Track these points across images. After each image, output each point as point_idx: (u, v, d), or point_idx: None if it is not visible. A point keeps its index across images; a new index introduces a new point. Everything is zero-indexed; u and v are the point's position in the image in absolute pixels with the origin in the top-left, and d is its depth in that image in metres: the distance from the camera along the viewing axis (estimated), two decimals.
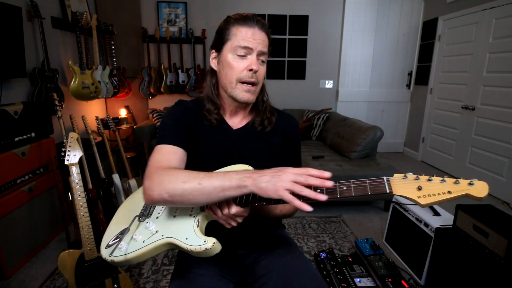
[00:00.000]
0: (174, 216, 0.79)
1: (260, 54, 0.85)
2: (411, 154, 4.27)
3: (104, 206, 2.12)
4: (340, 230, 2.29)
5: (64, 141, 1.76)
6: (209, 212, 0.75)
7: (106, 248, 0.77)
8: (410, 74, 4.21)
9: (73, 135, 1.36)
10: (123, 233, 0.78)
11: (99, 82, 2.80)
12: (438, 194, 0.58)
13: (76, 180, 1.30)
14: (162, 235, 0.74)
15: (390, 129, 4.32)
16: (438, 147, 3.77)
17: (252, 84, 0.86)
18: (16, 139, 1.79)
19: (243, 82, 0.85)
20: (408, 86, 4.26)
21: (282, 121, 0.97)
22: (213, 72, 0.93)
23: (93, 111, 3.26)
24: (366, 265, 1.68)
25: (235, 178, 0.66)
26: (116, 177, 2.30)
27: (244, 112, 0.96)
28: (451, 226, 1.47)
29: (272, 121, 0.95)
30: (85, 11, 2.86)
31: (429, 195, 0.58)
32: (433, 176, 0.61)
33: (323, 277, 1.63)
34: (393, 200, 1.99)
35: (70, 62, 2.52)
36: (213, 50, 0.91)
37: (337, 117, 3.53)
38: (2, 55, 1.84)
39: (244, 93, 0.86)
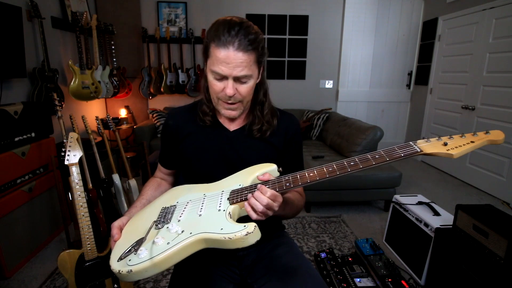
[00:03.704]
0: (200, 215, 0.74)
1: (236, 79, 0.79)
2: None
3: (104, 206, 2.12)
4: (340, 230, 2.28)
5: (64, 141, 1.76)
6: (240, 203, 0.72)
7: (118, 261, 0.66)
8: (410, 74, 4.21)
9: (73, 135, 1.36)
10: (138, 243, 0.69)
11: (99, 82, 2.80)
12: (464, 145, 0.62)
13: (76, 180, 1.29)
14: (191, 233, 0.67)
15: (390, 129, 4.32)
16: None
17: (232, 103, 0.83)
18: (16, 139, 1.79)
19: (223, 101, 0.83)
20: (408, 86, 4.25)
21: (283, 121, 0.95)
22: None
23: (93, 111, 3.26)
24: (366, 265, 1.68)
25: None
26: (116, 177, 2.30)
27: (239, 118, 0.94)
28: (451, 226, 1.46)
29: (272, 125, 0.92)
30: (85, 11, 2.86)
31: (456, 147, 0.62)
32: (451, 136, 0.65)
33: (323, 277, 1.63)
34: (393, 200, 1.99)
35: (70, 62, 2.52)
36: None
37: (337, 117, 3.53)
38: (2, 55, 1.84)
39: (225, 110, 0.85)
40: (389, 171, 2.49)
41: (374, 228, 2.32)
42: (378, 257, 1.67)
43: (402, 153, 0.65)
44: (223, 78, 0.79)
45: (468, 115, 3.24)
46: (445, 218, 1.63)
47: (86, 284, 1.34)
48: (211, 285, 0.85)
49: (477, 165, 3.14)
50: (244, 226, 0.64)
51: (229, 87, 0.78)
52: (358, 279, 1.59)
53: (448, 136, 0.64)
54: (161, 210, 0.81)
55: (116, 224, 0.80)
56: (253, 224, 0.64)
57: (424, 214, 1.70)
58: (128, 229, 0.80)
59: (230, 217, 0.69)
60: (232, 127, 0.94)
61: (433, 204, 1.79)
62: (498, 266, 1.17)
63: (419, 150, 0.63)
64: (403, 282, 1.49)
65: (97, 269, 1.35)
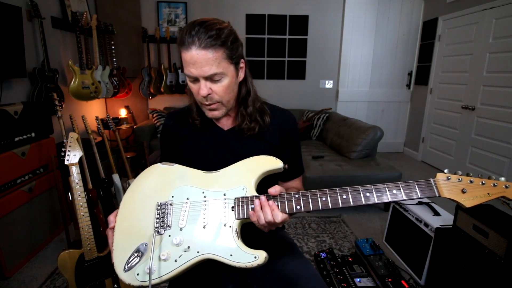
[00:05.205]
0: (204, 227, 0.71)
1: (208, 78, 0.78)
2: (411, 154, 4.27)
3: (104, 206, 2.12)
4: (340, 230, 2.28)
5: (64, 141, 1.76)
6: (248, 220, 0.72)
7: (125, 271, 0.68)
8: (410, 74, 4.21)
9: (73, 135, 1.36)
10: (141, 249, 0.70)
11: (99, 82, 2.80)
12: (480, 197, 0.64)
13: (76, 180, 1.30)
14: (198, 252, 0.68)
15: (390, 129, 4.32)
16: (438, 147, 3.77)
17: (210, 104, 0.83)
18: (16, 139, 1.79)
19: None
20: (408, 86, 4.25)
21: (278, 117, 0.94)
22: None
23: (93, 111, 3.26)
24: (366, 265, 1.68)
25: None
26: (116, 177, 2.30)
27: (229, 117, 0.94)
28: (451, 226, 1.46)
29: (260, 122, 0.91)
30: (85, 11, 2.86)
31: (472, 198, 0.65)
32: (470, 175, 0.66)
33: (323, 277, 1.63)
34: None
35: (70, 62, 2.52)
36: None
37: (337, 117, 3.53)
38: (2, 55, 1.84)
39: (208, 112, 0.86)
40: (389, 171, 2.49)
41: (374, 228, 2.32)
42: (378, 257, 1.67)
43: (420, 193, 0.67)
44: (195, 80, 0.79)
45: (468, 115, 3.24)
46: (445, 218, 1.63)
47: (86, 284, 1.34)
48: (211, 285, 0.85)
49: (477, 165, 3.14)
50: (255, 257, 0.66)
51: (202, 88, 0.79)
52: (358, 279, 1.59)
53: (469, 180, 0.65)
54: (157, 207, 0.77)
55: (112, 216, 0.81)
56: (264, 254, 0.67)
57: (424, 214, 1.70)
58: (123, 228, 0.76)
59: (238, 237, 0.70)
60: (226, 126, 0.94)
61: (433, 204, 1.79)
62: (498, 266, 1.17)
63: (437, 195, 0.66)
64: (403, 282, 1.49)
65: (97, 269, 1.35)
